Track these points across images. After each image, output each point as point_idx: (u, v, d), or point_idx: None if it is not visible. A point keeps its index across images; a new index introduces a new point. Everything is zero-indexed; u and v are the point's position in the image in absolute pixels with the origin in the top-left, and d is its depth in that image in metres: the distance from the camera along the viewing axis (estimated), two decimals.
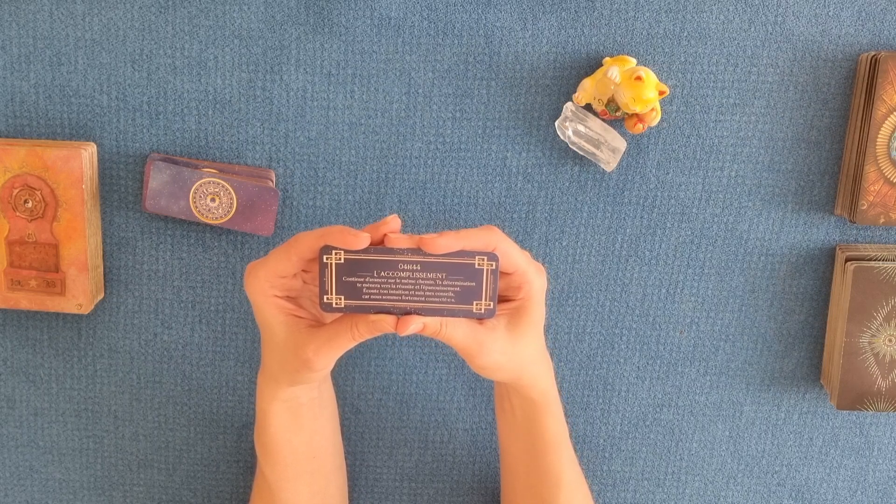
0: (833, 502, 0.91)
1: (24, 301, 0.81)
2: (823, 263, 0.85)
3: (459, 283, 0.61)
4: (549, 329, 0.86)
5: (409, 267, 0.59)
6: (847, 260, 0.82)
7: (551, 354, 0.86)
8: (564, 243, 0.84)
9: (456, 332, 0.64)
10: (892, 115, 0.78)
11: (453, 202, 0.83)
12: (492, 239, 0.64)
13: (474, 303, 0.62)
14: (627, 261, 0.85)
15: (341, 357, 0.86)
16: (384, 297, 0.60)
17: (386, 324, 0.62)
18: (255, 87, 0.80)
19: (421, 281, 0.60)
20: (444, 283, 0.60)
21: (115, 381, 0.87)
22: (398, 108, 0.81)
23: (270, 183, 0.80)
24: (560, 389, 0.87)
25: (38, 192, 0.79)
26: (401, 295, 0.60)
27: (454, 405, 0.88)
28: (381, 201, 0.83)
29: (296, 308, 0.68)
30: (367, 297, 0.60)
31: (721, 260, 0.85)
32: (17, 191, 0.79)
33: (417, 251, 0.59)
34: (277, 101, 0.81)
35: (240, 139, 0.81)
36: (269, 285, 0.66)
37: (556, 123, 0.80)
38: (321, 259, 0.58)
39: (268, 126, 0.81)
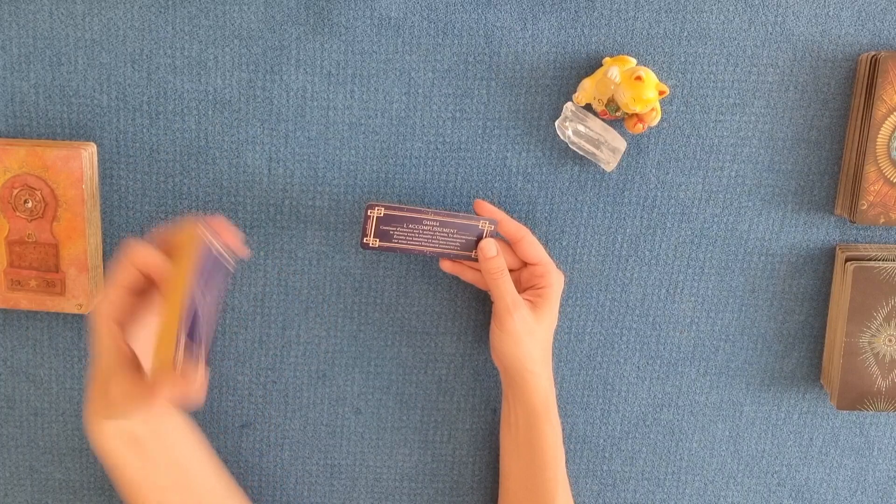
0: (833, 502, 0.91)
1: (24, 301, 0.81)
2: (823, 263, 0.85)
3: (465, 237, 0.78)
4: None
5: (430, 223, 0.78)
6: (847, 260, 0.82)
7: (551, 354, 0.86)
8: (564, 243, 0.84)
9: (507, 284, 0.77)
10: (892, 115, 0.78)
11: (453, 202, 0.83)
12: (522, 229, 0.78)
13: (474, 252, 0.79)
14: (627, 261, 0.85)
15: (341, 357, 0.86)
16: (409, 243, 0.78)
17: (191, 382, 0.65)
18: (255, 87, 0.80)
19: (438, 233, 0.78)
20: (455, 236, 0.78)
21: None
22: (398, 108, 0.81)
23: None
24: (560, 389, 0.87)
25: (38, 192, 0.79)
26: (421, 242, 0.78)
27: (454, 405, 0.88)
28: (380, 201, 0.83)
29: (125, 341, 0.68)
30: (395, 241, 0.78)
31: (721, 260, 0.85)
32: (17, 191, 0.79)
33: (440, 212, 0.77)
34: (277, 101, 0.81)
35: (240, 139, 0.81)
36: (115, 310, 0.66)
37: (556, 123, 0.80)
38: (366, 213, 0.76)
39: (268, 126, 0.81)
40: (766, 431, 0.89)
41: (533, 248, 0.79)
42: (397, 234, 0.77)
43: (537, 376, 0.78)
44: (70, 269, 0.80)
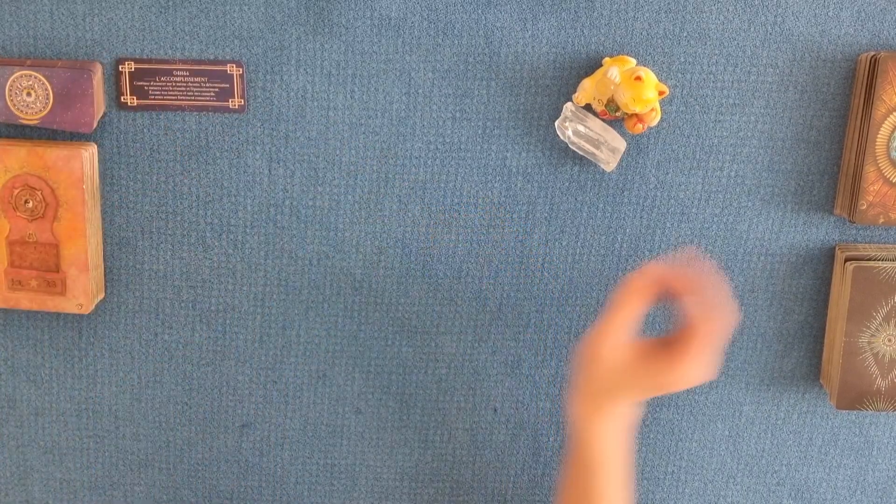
0: (833, 502, 0.91)
1: (25, 301, 0.81)
2: (823, 263, 0.85)
3: (218, 85, 0.78)
4: (550, 329, 0.86)
5: (181, 73, 0.77)
6: (847, 260, 0.82)
7: (551, 354, 0.86)
8: (564, 243, 0.84)
9: (635, 311, 0.71)
10: (891, 115, 0.78)
11: (453, 202, 0.83)
12: (694, 279, 0.71)
13: (230, 100, 0.79)
14: (627, 261, 0.85)
15: (341, 357, 0.86)
16: (165, 97, 0.78)
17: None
18: (255, 87, 0.80)
19: (191, 84, 0.77)
20: (207, 85, 0.78)
21: (115, 380, 0.87)
22: (398, 108, 0.81)
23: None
24: (560, 389, 0.87)
25: (39, 192, 0.79)
26: (176, 95, 0.77)
27: (454, 405, 0.88)
28: (381, 201, 0.83)
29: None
30: (152, 97, 0.77)
31: (721, 260, 0.85)
32: (17, 191, 0.79)
33: (188, 60, 0.77)
34: (277, 101, 0.81)
35: (240, 139, 0.81)
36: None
37: (556, 123, 0.80)
38: (118, 68, 0.75)
39: (268, 126, 0.81)
40: (766, 431, 0.89)
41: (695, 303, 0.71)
42: (153, 90, 0.77)
43: (582, 430, 0.73)
44: (70, 269, 0.80)
